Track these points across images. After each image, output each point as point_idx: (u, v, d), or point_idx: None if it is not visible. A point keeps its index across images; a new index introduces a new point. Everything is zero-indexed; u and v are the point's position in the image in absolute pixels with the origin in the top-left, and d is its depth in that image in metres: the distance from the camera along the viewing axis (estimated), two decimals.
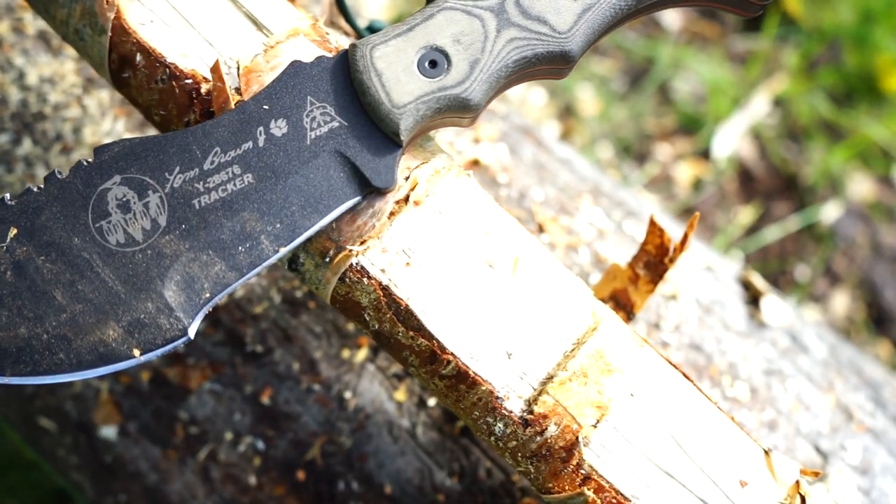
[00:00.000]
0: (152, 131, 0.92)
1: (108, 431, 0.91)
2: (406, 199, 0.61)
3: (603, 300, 0.77)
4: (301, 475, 0.86)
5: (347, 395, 0.85)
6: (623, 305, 0.76)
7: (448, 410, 0.85)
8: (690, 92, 1.97)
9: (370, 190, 0.60)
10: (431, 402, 0.85)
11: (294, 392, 0.86)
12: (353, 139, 0.59)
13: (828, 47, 2.01)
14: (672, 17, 2.04)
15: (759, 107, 1.95)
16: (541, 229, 0.95)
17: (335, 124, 0.59)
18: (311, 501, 0.86)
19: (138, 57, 0.64)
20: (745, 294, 1.02)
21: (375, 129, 0.59)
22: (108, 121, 0.92)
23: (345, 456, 0.85)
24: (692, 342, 0.92)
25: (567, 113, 1.92)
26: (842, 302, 1.80)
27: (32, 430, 0.98)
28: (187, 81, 0.63)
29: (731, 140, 1.92)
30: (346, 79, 0.59)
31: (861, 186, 1.92)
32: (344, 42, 0.70)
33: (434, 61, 0.59)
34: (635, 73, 1.97)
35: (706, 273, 1.02)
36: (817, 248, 1.82)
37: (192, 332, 0.57)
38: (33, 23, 0.96)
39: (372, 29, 0.80)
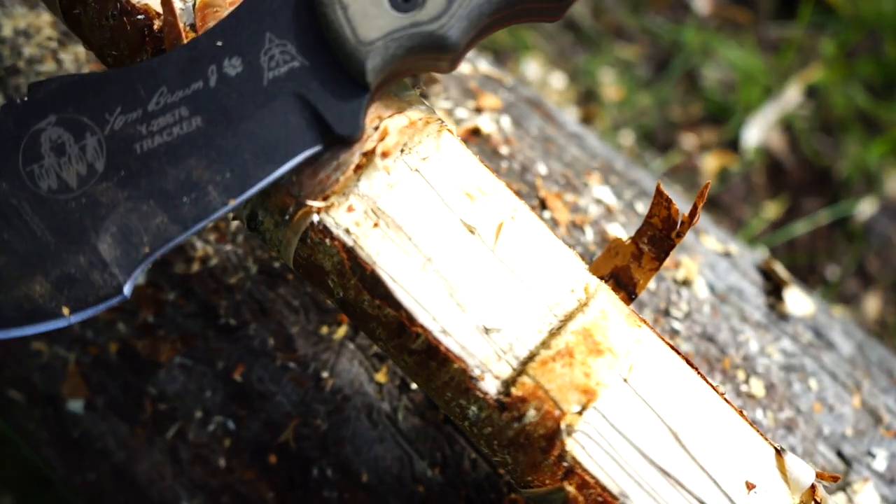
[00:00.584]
0: None
1: (76, 405, 0.86)
2: (374, 152, 0.54)
3: (603, 278, 0.69)
4: (273, 459, 0.80)
5: (325, 374, 0.79)
6: (624, 285, 0.68)
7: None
8: (719, 80, 1.88)
9: (333, 139, 0.53)
10: (415, 385, 0.79)
11: (268, 370, 0.80)
12: (314, 81, 0.52)
13: (867, 36, 1.90)
14: (701, 2, 1.94)
15: (791, 97, 1.85)
16: (543, 205, 0.88)
17: (296, 64, 0.53)
18: (283, 488, 0.80)
19: None
20: (766, 284, 0.94)
21: (340, 70, 0.52)
22: None
23: (320, 440, 0.79)
24: (705, 332, 0.85)
25: (588, 98, 1.85)
26: (874, 304, 1.70)
27: (3, 402, 0.93)
28: (139, 17, 0.57)
29: (761, 131, 1.83)
30: (309, 14, 0.53)
31: None
32: None
33: None
34: (661, 59, 1.89)
35: (723, 259, 0.94)
36: (850, 247, 1.72)
37: (127, 291, 0.51)
38: None
39: None
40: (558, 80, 1.86)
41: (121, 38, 0.58)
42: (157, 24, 0.57)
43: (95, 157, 0.52)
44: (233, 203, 0.52)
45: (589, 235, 0.87)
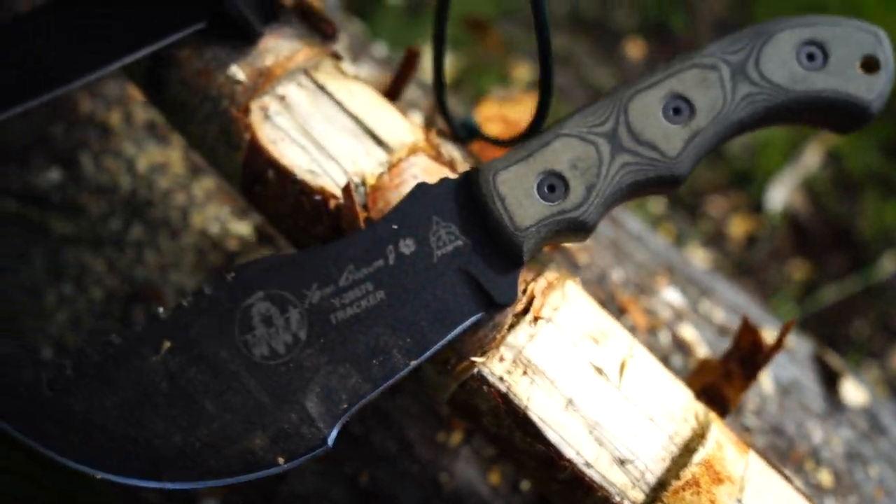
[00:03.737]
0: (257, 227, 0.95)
1: None
2: (524, 312, 0.65)
3: (695, 395, 0.79)
4: None
5: (443, 477, 0.88)
6: (716, 400, 0.79)
7: (541, 495, 0.88)
8: (742, 146, 2.00)
9: (493, 306, 0.63)
10: (524, 485, 0.88)
11: (391, 473, 0.89)
12: (476, 257, 0.63)
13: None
14: None
15: (810, 159, 1.97)
16: (622, 311, 0.99)
17: (460, 243, 0.63)
18: None
19: (270, 172, 0.69)
20: (821, 373, 1.04)
21: (497, 248, 0.63)
22: (213, 206, 0.97)
23: None
24: (773, 425, 0.94)
25: None
26: None
27: None
28: (316, 198, 0.67)
29: (784, 193, 1.94)
30: (468, 200, 0.64)
31: None
32: (452, 152, 0.74)
33: (552, 186, 0.63)
34: None
35: (782, 353, 1.04)
36: (873, 302, 1.82)
37: (331, 441, 0.61)
38: (142, 113, 1.02)
39: (466, 125, 0.84)
40: None
41: (298, 213, 0.68)
42: (332, 203, 0.67)
43: (299, 328, 0.62)
44: (413, 363, 0.62)
45: (663, 339, 0.98)
